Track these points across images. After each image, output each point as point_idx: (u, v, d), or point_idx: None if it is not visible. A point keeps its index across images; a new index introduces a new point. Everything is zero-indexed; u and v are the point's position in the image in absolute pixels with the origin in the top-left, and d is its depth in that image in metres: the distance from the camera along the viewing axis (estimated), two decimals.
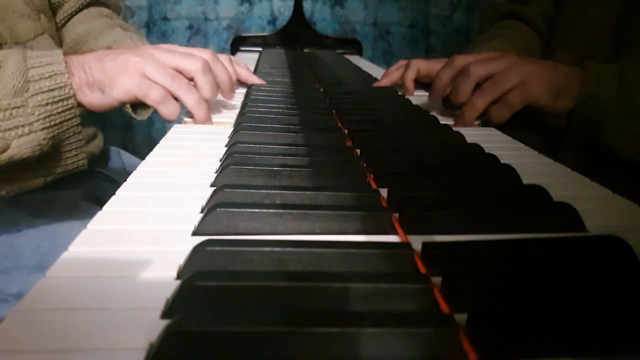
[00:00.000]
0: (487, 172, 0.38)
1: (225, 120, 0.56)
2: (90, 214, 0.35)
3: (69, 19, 0.75)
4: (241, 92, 0.71)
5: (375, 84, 0.79)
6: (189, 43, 1.59)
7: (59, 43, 0.72)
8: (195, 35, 1.61)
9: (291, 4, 1.50)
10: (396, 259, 0.25)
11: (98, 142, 0.73)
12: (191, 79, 0.53)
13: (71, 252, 0.25)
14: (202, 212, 0.31)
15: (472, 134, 0.49)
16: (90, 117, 0.53)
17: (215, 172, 0.37)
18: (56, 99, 0.45)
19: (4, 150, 0.43)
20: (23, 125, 0.44)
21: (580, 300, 0.21)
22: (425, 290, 0.21)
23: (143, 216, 0.30)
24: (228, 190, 0.31)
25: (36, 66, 0.45)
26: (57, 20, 0.74)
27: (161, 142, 0.46)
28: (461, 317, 0.20)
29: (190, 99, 0.51)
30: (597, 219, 0.30)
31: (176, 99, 0.51)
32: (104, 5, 0.81)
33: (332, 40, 1.52)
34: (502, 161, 0.39)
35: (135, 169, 0.38)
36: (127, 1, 1.53)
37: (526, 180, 0.36)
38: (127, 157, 0.84)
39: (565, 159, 0.58)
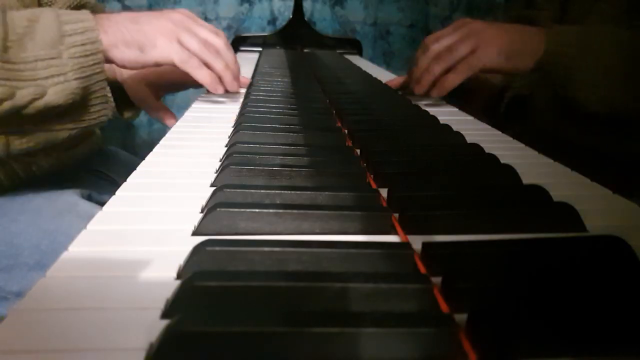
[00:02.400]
0: (487, 172, 0.38)
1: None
2: (90, 214, 0.35)
3: None
4: (241, 92, 0.71)
5: (387, 82, 0.81)
6: None
7: None
8: None
9: (291, 4, 1.49)
10: (396, 259, 0.25)
11: (96, 139, 0.73)
12: None
13: (71, 252, 0.25)
14: (202, 212, 0.31)
15: (473, 134, 0.49)
16: None
17: (215, 172, 0.37)
18: (87, 53, 0.49)
19: (42, 97, 0.46)
20: (59, 75, 0.47)
21: (581, 300, 0.21)
22: (425, 290, 0.21)
23: (143, 216, 0.30)
24: (228, 190, 0.31)
25: (70, 22, 0.49)
26: None
27: (161, 141, 0.46)
28: (461, 317, 0.20)
29: (219, 63, 0.60)
30: (597, 219, 0.30)
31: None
32: (92, 10, 0.82)
33: (332, 40, 1.51)
34: (502, 161, 0.39)
35: (135, 169, 0.38)
36: (127, 1, 1.53)
37: (526, 180, 0.36)
38: (127, 157, 0.84)
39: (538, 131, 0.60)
